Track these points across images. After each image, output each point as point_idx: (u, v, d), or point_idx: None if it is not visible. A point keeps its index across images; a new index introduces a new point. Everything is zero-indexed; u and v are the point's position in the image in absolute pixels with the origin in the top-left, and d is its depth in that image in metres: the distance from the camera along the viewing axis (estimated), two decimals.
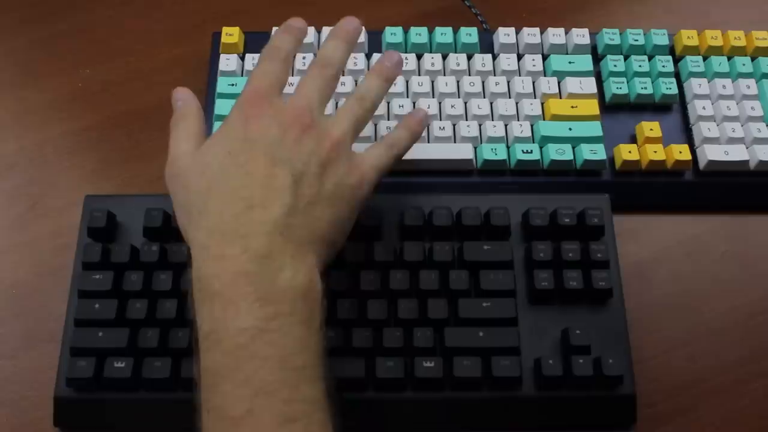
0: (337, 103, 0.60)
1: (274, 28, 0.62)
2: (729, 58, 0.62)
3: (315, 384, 0.40)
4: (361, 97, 0.48)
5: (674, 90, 0.60)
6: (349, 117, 0.47)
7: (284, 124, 0.44)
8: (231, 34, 0.62)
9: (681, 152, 0.57)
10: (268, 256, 0.40)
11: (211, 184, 0.43)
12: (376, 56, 0.61)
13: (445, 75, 0.61)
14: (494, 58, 0.62)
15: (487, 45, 0.63)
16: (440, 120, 0.59)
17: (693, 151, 0.59)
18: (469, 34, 0.62)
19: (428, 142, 0.58)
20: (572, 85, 0.60)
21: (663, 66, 0.61)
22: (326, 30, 0.62)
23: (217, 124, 0.58)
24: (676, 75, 0.62)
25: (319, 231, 0.43)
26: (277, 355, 0.39)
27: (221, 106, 0.59)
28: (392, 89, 0.59)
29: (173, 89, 0.50)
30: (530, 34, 0.63)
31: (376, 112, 0.58)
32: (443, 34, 0.62)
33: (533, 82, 0.61)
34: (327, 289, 0.44)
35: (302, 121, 0.44)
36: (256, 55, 0.61)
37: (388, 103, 0.60)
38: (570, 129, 0.58)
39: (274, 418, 0.38)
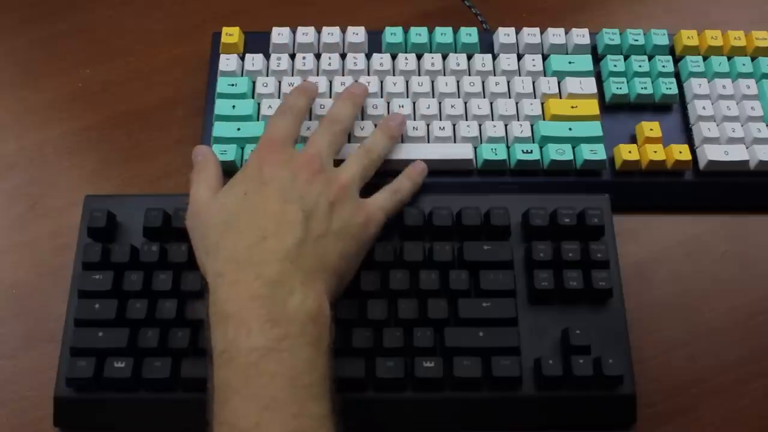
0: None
1: (275, 28, 0.62)
2: (729, 58, 0.62)
3: (322, 401, 0.41)
4: (368, 149, 0.53)
5: (674, 90, 0.60)
6: (356, 164, 0.51)
7: (296, 169, 0.48)
8: (231, 34, 0.62)
9: (681, 152, 0.57)
10: (280, 282, 0.43)
11: (228, 220, 0.46)
12: (376, 56, 0.61)
13: (445, 75, 0.61)
14: (494, 58, 0.62)
15: (487, 45, 0.63)
16: (440, 120, 0.59)
17: (693, 151, 0.59)
18: (469, 34, 0.62)
19: (428, 142, 0.58)
20: (572, 85, 0.60)
21: (663, 66, 0.61)
22: (326, 30, 0.62)
23: (217, 125, 0.58)
24: (676, 75, 0.62)
25: (329, 262, 0.46)
26: (285, 373, 0.41)
27: (221, 106, 0.59)
28: (392, 89, 0.60)
29: (195, 147, 0.54)
30: (530, 34, 0.63)
31: (377, 112, 0.58)
32: (443, 34, 0.62)
33: (533, 82, 0.61)
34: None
35: (312, 167, 0.48)
36: (257, 55, 0.61)
37: (388, 103, 0.60)
38: (570, 129, 0.58)
39: (281, 431, 0.40)
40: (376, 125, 0.58)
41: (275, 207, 0.46)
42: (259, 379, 0.40)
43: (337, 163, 0.52)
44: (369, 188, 0.52)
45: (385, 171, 0.57)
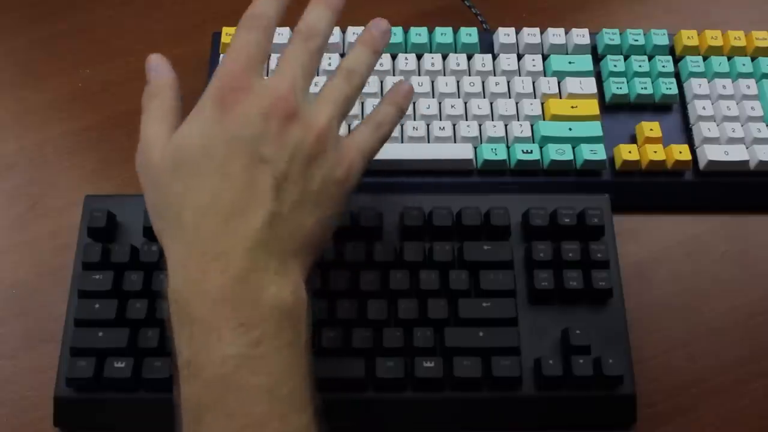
0: None
1: None
2: (729, 58, 0.62)
3: (304, 411, 0.38)
4: (348, 73, 0.44)
5: (674, 90, 0.60)
6: (335, 98, 0.43)
7: (266, 113, 0.40)
8: (231, 34, 0.62)
9: (681, 152, 0.57)
10: (250, 276, 0.38)
11: (187, 185, 0.39)
12: None
13: (445, 75, 0.61)
14: (494, 58, 0.62)
15: (487, 45, 0.63)
16: (440, 120, 0.59)
17: (693, 151, 0.59)
18: (469, 34, 0.62)
19: (428, 142, 0.58)
20: (572, 85, 0.60)
21: (663, 66, 0.61)
22: None
23: None
24: (676, 75, 0.62)
25: (305, 236, 0.40)
26: (263, 385, 0.36)
27: None
28: None
29: (148, 56, 0.46)
30: (530, 34, 0.63)
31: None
32: (443, 34, 0.62)
33: (533, 82, 0.61)
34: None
35: (286, 108, 0.40)
36: None
37: None
38: (570, 129, 0.58)
39: None
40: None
41: (241, 171, 0.38)
42: (234, 394, 0.36)
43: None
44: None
45: (385, 171, 0.57)
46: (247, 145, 0.39)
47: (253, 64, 0.41)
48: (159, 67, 0.45)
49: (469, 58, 0.62)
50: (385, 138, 0.46)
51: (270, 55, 0.43)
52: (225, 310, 0.37)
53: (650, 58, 0.62)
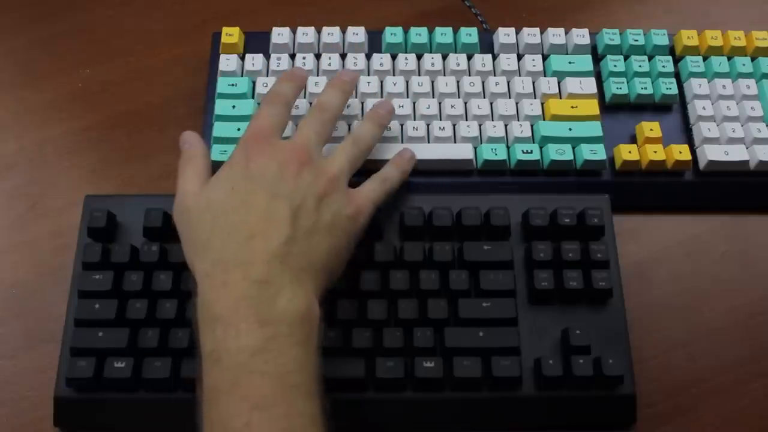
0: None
1: (275, 28, 0.62)
2: (729, 59, 0.62)
3: (311, 400, 0.41)
4: (356, 139, 0.52)
5: (674, 90, 0.60)
6: (345, 155, 0.50)
7: (283, 161, 0.47)
8: (231, 34, 0.62)
9: (681, 152, 0.57)
10: (267, 282, 0.43)
11: (215, 218, 0.45)
12: (376, 57, 0.61)
13: (445, 75, 0.61)
14: (494, 58, 0.62)
15: (487, 45, 0.63)
16: (440, 120, 0.59)
17: (693, 151, 0.59)
18: (469, 34, 0.62)
19: (428, 142, 0.58)
20: (572, 85, 0.60)
21: (663, 66, 0.61)
22: (326, 30, 0.62)
23: (217, 125, 0.58)
24: (676, 75, 0.62)
25: (317, 259, 0.45)
26: (274, 373, 0.40)
27: (221, 107, 0.59)
28: (392, 89, 0.60)
29: (182, 133, 0.53)
30: (530, 34, 0.63)
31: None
32: (443, 35, 0.62)
33: (533, 83, 0.61)
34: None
35: (300, 158, 0.47)
36: (257, 56, 0.61)
37: None
38: (570, 129, 0.58)
39: (271, 431, 0.39)
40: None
41: (262, 203, 0.45)
42: (248, 379, 0.40)
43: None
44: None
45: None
46: (267, 185, 0.46)
47: (274, 129, 0.49)
48: (192, 140, 0.52)
49: (469, 58, 0.62)
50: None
51: (288, 124, 0.52)
52: (244, 309, 0.42)
53: (650, 58, 0.62)
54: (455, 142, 0.58)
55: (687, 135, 0.60)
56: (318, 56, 0.62)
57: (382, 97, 0.60)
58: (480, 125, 0.59)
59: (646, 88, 0.60)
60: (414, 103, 0.60)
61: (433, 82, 0.61)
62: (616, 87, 0.61)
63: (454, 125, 0.59)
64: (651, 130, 0.58)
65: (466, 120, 0.59)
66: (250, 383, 0.40)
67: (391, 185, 0.52)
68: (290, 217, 0.45)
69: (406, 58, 0.61)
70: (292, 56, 0.62)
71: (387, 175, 0.53)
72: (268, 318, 0.42)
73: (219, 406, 0.40)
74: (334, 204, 0.47)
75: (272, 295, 0.42)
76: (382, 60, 0.61)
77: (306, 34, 0.62)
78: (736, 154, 0.58)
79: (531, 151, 0.57)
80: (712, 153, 0.58)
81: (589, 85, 0.60)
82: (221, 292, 0.43)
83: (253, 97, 0.60)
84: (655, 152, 0.57)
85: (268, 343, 0.41)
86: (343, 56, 0.62)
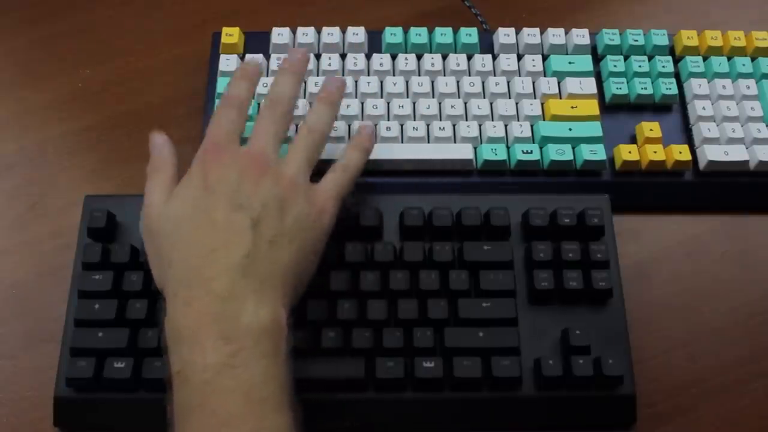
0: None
1: (275, 29, 0.62)
2: (729, 59, 0.62)
3: (281, 412, 0.41)
4: (310, 128, 0.50)
5: (674, 90, 0.60)
6: (301, 151, 0.49)
7: (241, 170, 0.46)
8: (231, 34, 0.62)
9: (681, 152, 0.57)
10: (230, 297, 0.42)
11: (178, 231, 0.45)
12: (376, 57, 0.61)
13: (445, 75, 0.61)
14: (494, 58, 0.62)
15: (487, 45, 0.63)
16: (440, 120, 0.59)
17: (693, 152, 0.59)
18: (469, 35, 0.62)
19: (428, 142, 0.58)
20: (572, 85, 0.60)
21: (663, 66, 0.61)
22: (326, 30, 0.62)
23: None
24: (676, 75, 0.62)
25: (282, 268, 0.45)
26: (241, 388, 0.40)
27: None
28: (392, 89, 0.60)
29: (151, 134, 0.52)
30: (530, 35, 0.63)
31: (377, 112, 0.58)
32: (443, 35, 0.62)
33: (533, 83, 0.61)
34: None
35: (258, 165, 0.46)
36: (257, 56, 0.61)
37: (389, 103, 0.60)
38: (570, 129, 0.58)
39: None
40: (376, 126, 0.58)
41: (222, 216, 0.44)
42: (215, 396, 0.40)
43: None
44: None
45: (384, 171, 0.57)
46: (226, 197, 0.45)
47: (230, 136, 0.48)
48: (162, 146, 0.51)
49: (469, 58, 0.62)
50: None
51: (245, 127, 0.50)
52: (208, 326, 0.42)
53: (650, 59, 0.62)
54: (455, 143, 0.58)
55: (687, 135, 0.60)
56: (318, 56, 0.62)
57: (382, 97, 0.60)
58: (480, 125, 0.59)
59: (646, 89, 0.60)
60: (414, 104, 0.60)
61: (433, 83, 0.61)
62: (616, 87, 0.61)
63: (454, 125, 0.59)
64: (651, 130, 0.58)
65: (466, 120, 0.59)
66: (217, 401, 0.40)
67: (355, 170, 0.51)
68: (251, 227, 0.44)
69: (406, 59, 0.61)
70: None
71: (348, 161, 0.51)
72: (232, 334, 0.41)
73: (188, 425, 0.40)
74: (296, 208, 0.46)
75: (236, 309, 0.42)
76: (382, 60, 0.61)
77: (306, 34, 0.62)
78: (736, 154, 0.58)
79: (531, 152, 0.57)
80: (712, 153, 0.58)
81: (589, 85, 0.60)
82: (186, 310, 0.42)
83: (252, 98, 0.60)
84: (655, 152, 0.57)
85: (234, 358, 0.40)
86: (343, 56, 0.62)
